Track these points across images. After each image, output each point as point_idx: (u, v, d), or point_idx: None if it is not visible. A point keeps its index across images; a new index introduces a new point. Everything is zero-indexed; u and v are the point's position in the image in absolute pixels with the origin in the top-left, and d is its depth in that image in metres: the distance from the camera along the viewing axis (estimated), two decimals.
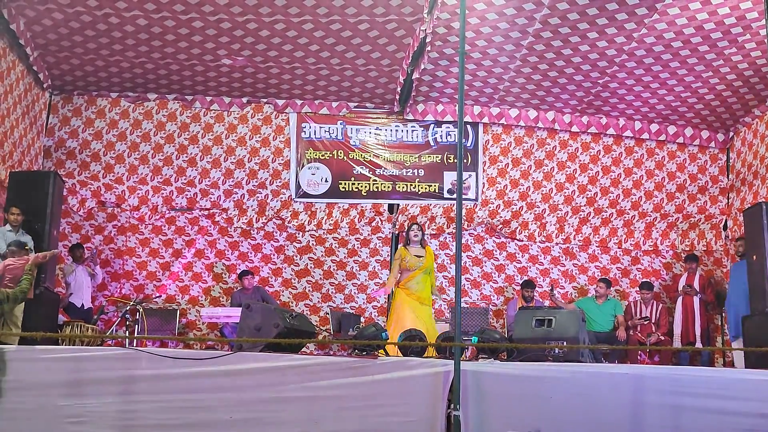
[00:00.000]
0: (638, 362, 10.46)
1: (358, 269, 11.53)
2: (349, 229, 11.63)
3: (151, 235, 11.37)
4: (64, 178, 10.49)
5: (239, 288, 10.86)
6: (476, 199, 11.75)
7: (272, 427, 5.97)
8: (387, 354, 6.93)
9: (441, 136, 11.81)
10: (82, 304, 10.06)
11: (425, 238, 9.26)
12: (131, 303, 9.79)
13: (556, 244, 11.84)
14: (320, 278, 11.49)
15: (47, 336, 6.59)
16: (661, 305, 11.00)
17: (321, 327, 10.84)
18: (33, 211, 9.09)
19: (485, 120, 11.68)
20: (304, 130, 11.71)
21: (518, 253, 11.82)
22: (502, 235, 11.80)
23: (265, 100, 11.59)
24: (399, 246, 9.19)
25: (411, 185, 11.70)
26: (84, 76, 10.75)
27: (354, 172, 11.70)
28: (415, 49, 9.59)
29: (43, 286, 8.94)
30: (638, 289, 11.26)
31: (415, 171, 11.74)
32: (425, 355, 7.25)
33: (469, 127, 11.69)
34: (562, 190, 11.85)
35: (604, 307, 10.86)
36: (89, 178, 11.26)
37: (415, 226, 9.09)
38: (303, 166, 11.65)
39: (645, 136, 11.82)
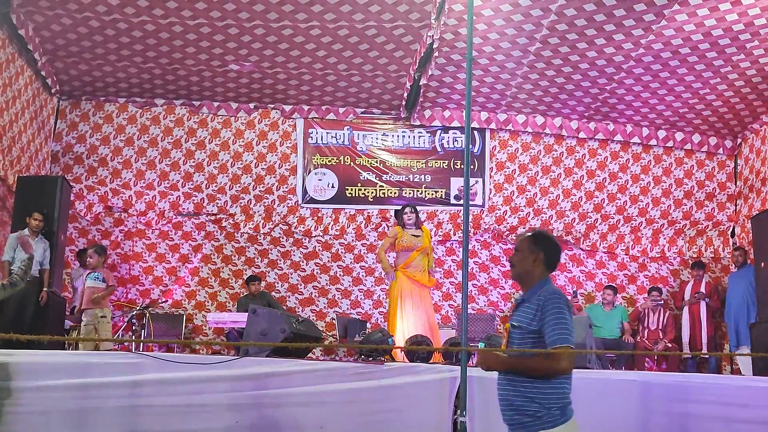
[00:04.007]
0: (645, 369, 10.42)
1: (364, 275, 11.52)
2: (356, 235, 11.63)
3: (158, 240, 11.38)
4: (71, 183, 10.52)
5: (246, 293, 10.85)
6: (483, 205, 11.74)
7: None
8: (393, 359, 6.93)
9: (448, 141, 11.81)
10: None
11: (420, 218, 9.12)
12: (137, 308, 9.79)
13: (563, 250, 11.79)
14: (326, 284, 11.49)
15: (54, 339, 6.58)
16: (668, 312, 10.96)
17: (327, 332, 10.83)
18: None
19: (492, 126, 11.68)
20: (311, 135, 11.72)
21: None
22: (509, 241, 11.77)
23: (272, 106, 11.60)
24: (394, 226, 9.05)
25: (417, 191, 11.70)
26: (92, 81, 10.78)
27: (360, 177, 11.70)
28: (422, 54, 9.60)
29: (50, 290, 8.98)
30: (646, 295, 11.21)
31: (422, 177, 11.74)
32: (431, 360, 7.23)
33: (476, 132, 11.68)
34: (569, 197, 11.83)
35: (612, 314, 10.82)
36: (96, 183, 11.29)
37: (408, 209, 8.96)
38: (310, 171, 11.66)
39: (653, 142, 11.80)
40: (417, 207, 9.42)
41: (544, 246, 3.92)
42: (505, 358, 3.79)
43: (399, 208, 11.36)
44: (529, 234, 4.00)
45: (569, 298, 10.97)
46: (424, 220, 11.54)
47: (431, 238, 9.20)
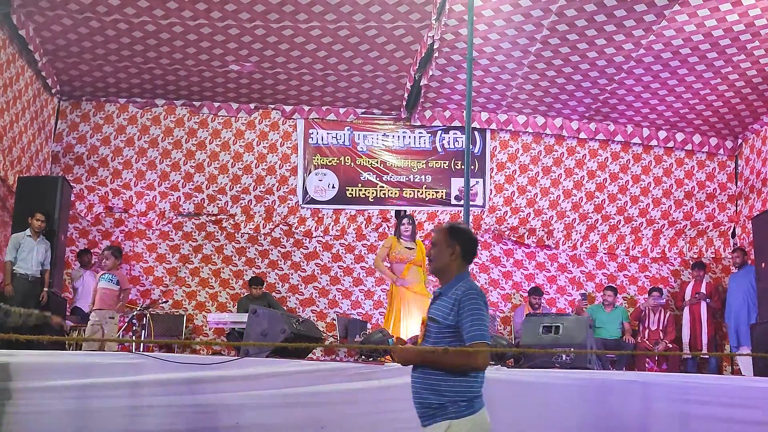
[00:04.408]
0: (646, 370, 10.42)
1: (364, 275, 11.52)
2: (356, 236, 11.63)
3: (158, 240, 11.37)
4: (71, 184, 10.53)
5: (246, 294, 10.85)
6: (483, 206, 11.73)
7: None
8: (394, 360, 6.91)
9: (448, 142, 11.80)
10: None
11: (416, 232, 9.01)
12: (138, 308, 9.79)
13: (563, 251, 11.81)
14: (327, 284, 11.48)
15: (54, 340, 6.57)
16: (668, 313, 10.95)
17: (328, 333, 10.83)
18: None
19: (493, 126, 11.68)
20: (312, 136, 11.72)
21: (525, 260, 11.79)
22: (509, 241, 11.77)
23: (272, 106, 11.61)
24: (390, 235, 8.93)
25: (418, 191, 11.69)
26: (92, 81, 10.78)
27: (361, 178, 11.70)
28: (423, 55, 9.60)
29: (51, 290, 8.99)
30: (646, 296, 11.19)
31: (423, 177, 11.73)
32: None
33: (476, 133, 11.67)
34: (569, 197, 11.83)
35: (613, 315, 10.81)
36: (97, 184, 11.29)
37: (406, 219, 8.87)
38: (310, 172, 11.66)
39: (653, 143, 11.80)
40: (414, 218, 9.34)
41: (460, 239, 3.91)
42: (423, 353, 3.80)
43: (400, 211, 11.35)
44: (445, 227, 3.99)
45: (578, 300, 11.06)
46: (425, 221, 11.57)
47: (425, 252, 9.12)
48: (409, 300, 8.45)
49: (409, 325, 8.29)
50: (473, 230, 11.24)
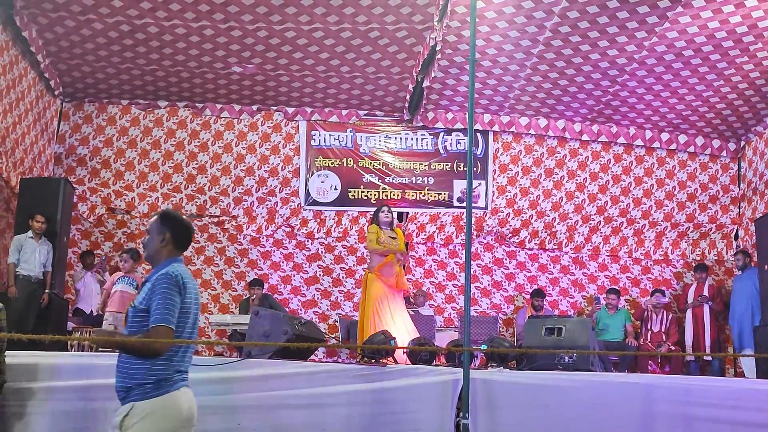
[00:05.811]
0: (648, 372, 10.40)
1: None
2: (358, 237, 11.62)
3: None
4: (74, 185, 10.54)
5: (248, 295, 10.84)
6: (486, 208, 11.72)
7: None
8: (395, 362, 6.90)
9: (451, 144, 11.80)
10: (91, 311, 10.08)
11: (395, 220, 8.86)
12: None
13: (566, 252, 11.80)
14: (329, 286, 11.47)
15: (56, 339, 6.57)
16: (671, 315, 10.93)
17: (330, 334, 10.82)
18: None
19: (495, 128, 11.66)
20: (314, 137, 11.71)
21: (528, 262, 11.78)
22: (511, 243, 11.76)
23: (275, 108, 11.61)
24: (371, 225, 8.62)
25: (420, 193, 11.68)
26: (95, 83, 10.79)
27: (363, 180, 11.70)
28: (425, 57, 9.60)
29: (52, 292, 9.00)
30: (649, 297, 11.16)
31: (425, 179, 11.73)
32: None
33: (479, 135, 11.66)
34: (572, 199, 11.81)
35: (616, 318, 10.80)
36: (99, 185, 11.29)
37: (385, 208, 8.70)
38: (312, 173, 11.66)
39: (656, 145, 11.78)
40: (408, 210, 9.22)
41: (170, 226, 3.95)
42: (109, 338, 3.98)
43: (402, 212, 11.36)
44: (157, 215, 4.03)
45: (594, 304, 11.05)
46: (428, 222, 11.57)
47: (405, 239, 9.02)
48: (382, 297, 8.16)
49: (390, 325, 7.90)
50: (476, 232, 11.32)
